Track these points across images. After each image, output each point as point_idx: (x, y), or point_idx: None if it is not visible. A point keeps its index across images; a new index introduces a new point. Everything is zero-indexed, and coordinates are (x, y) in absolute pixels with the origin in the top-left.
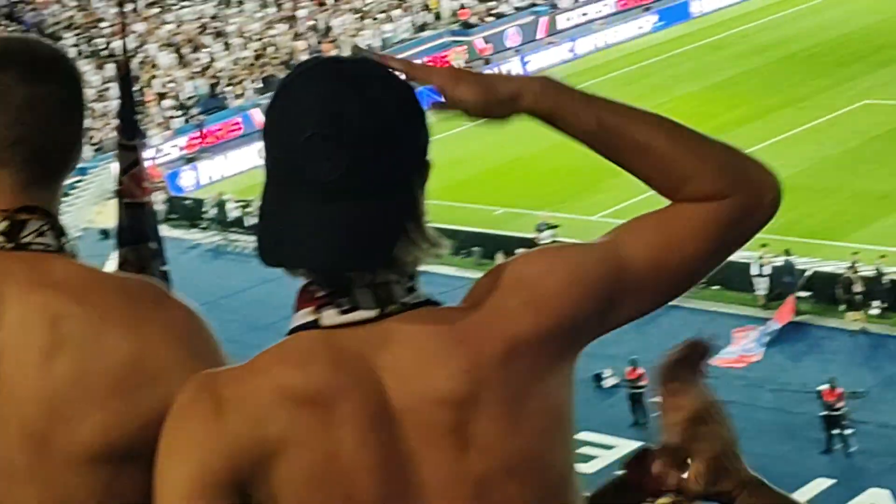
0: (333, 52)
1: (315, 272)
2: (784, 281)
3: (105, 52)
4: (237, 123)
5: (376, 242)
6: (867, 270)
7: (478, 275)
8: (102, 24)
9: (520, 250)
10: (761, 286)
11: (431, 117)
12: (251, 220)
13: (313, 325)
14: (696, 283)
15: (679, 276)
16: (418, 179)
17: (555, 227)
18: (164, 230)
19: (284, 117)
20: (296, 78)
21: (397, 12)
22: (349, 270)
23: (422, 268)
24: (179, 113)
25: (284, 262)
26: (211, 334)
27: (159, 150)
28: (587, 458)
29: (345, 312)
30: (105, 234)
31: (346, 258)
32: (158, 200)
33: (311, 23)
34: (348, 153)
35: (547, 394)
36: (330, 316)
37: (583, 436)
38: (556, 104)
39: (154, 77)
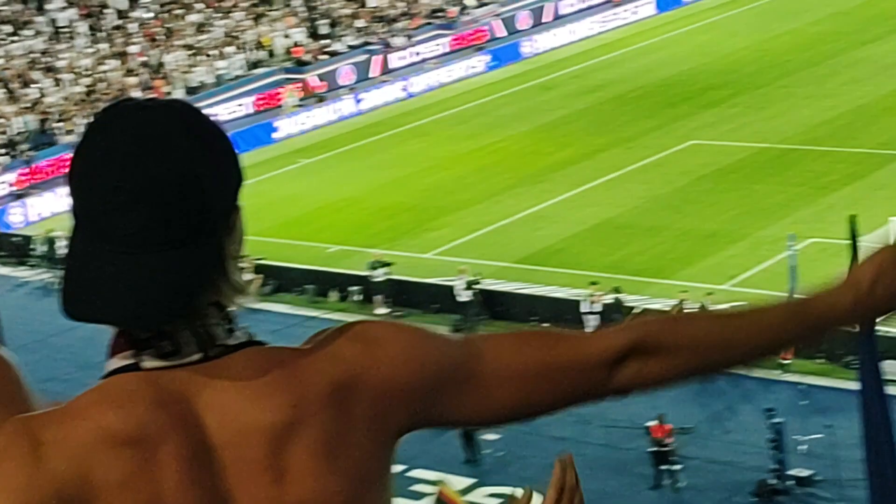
0: (166, 89)
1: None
2: (614, 318)
3: None
4: (68, 160)
5: (178, 295)
6: (694, 308)
7: (311, 312)
8: None
9: (353, 288)
10: (591, 323)
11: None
12: None
13: (134, 367)
14: (532, 418)
15: (520, 408)
16: (225, 226)
17: (388, 265)
18: None
19: (87, 166)
20: (100, 124)
21: (230, 49)
22: (152, 325)
23: (257, 305)
24: (8, 149)
25: (89, 317)
26: (18, 377)
27: None
28: (420, 496)
29: (166, 356)
30: None
31: (148, 313)
32: None
33: (144, 59)
34: (150, 205)
35: (366, 444)
36: (150, 359)
37: (416, 473)
38: None
39: None
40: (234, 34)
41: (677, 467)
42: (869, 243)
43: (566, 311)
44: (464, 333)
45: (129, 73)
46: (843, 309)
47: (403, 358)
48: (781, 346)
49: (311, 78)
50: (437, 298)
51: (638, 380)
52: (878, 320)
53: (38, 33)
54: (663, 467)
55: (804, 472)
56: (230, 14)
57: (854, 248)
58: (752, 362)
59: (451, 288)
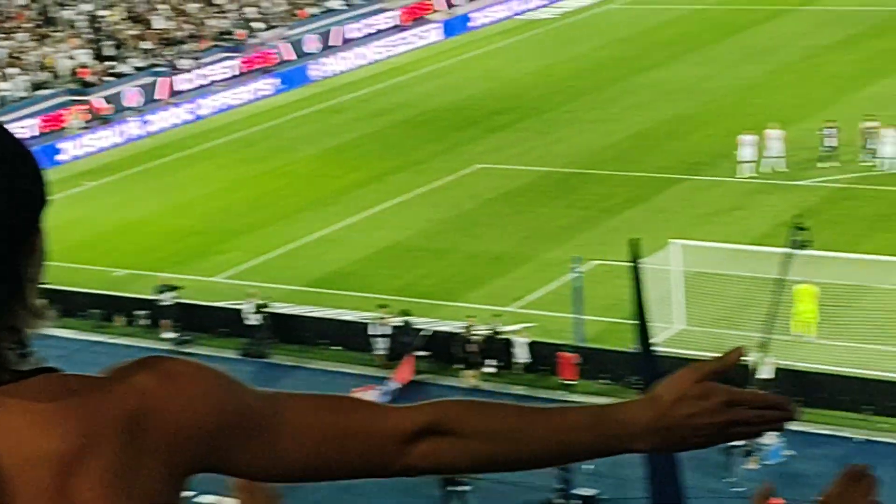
0: None
1: None
2: (403, 341)
3: None
4: None
5: None
6: (482, 330)
7: (97, 337)
8: None
9: (140, 312)
10: (380, 346)
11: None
12: None
13: None
14: (320, 480)
15: (309, 469)
16: (25, 249)
17: (176, 288)
18: None
19: None
20: None
21: (13, 70)
22: None
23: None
24: None
25: None
26: None
27: None
28: None
29: None
30: None
31: None
32: None
33: None
34: None
35: (155, 478)
36: None
37: (203, 499)
38: None
39: None
40: (16, 55)
41: (465, 488)
42: (650, 265)
43: (355, 334)
44: (273, 390)
45: None
46: (643, 423)
47: (201, 397)
48: (577, 452)
49: (97, 100)
50: (225, 322)
51: (428, 460)
52: (681, 448)
53: None
54: (451, 488)
55: (589, 492)
56: (13, 35)
57: (635, 270)
58: (546, 462)
59: (239, 311)
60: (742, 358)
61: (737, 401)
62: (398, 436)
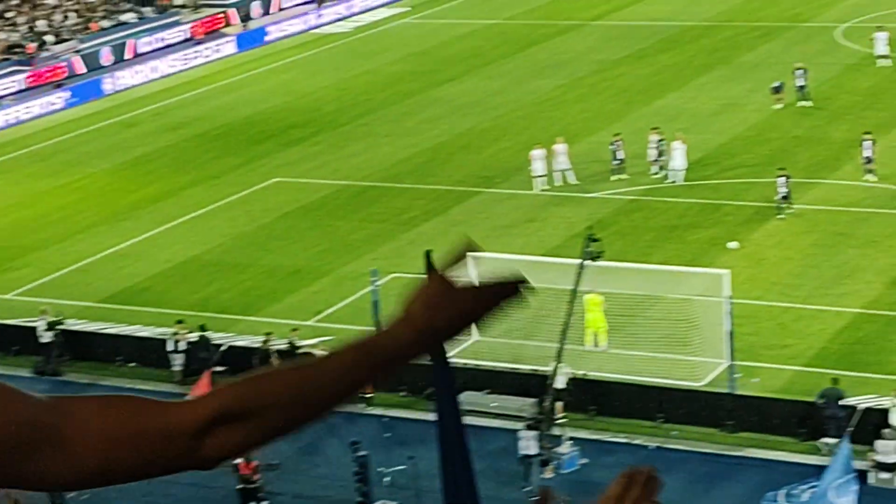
0: None
1: None
2: (200, 356)
3: None
4: None
5: None
6: (281, 344)
7: None
8: None
9: None
10: (177, 362)
11: None
12: None
13: None
14: (117, 483)
15: (103, 472)
16: None
17: None
18: None
19: None
20: None
21: None
22: None
23: None
24: None
25: None
26: None
27: None
28: None
29: None
30: None
31: None
32: None
33: None
34: None
35: None
36: None
37: None
38: None
39: None
40: None
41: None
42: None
43: (152, 351)
44: (52, 395)
45: None
46: (408, 343)
47: None
48: (357, 388)
49: None
50: (17, 340)
51: (225, 448)
52: (447, 344)
53: None
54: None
55: None
56: None
57: None
58: (333, 407)
59: (32, 329)
60: (471, 250)
61: (480, 291)
62: (188, 431)
